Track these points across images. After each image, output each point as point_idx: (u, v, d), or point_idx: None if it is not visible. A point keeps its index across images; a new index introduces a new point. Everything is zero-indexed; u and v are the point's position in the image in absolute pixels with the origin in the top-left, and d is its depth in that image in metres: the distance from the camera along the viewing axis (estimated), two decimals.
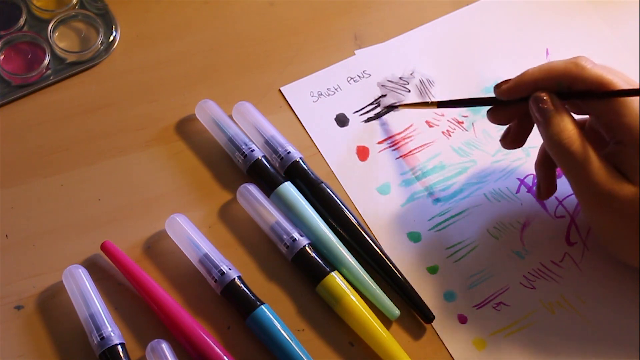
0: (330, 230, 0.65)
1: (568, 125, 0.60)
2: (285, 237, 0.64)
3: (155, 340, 0.59)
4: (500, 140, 0.67)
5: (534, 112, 0.61)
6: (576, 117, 0.62)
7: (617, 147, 0.60)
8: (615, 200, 0.59)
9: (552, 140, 0.60)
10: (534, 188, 0.69)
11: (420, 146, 0.71)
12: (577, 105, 0.63)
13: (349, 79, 0.74)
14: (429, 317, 0.63)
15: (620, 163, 0.60)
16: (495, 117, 0.65)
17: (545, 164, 0.65)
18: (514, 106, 0.63)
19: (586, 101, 0.61)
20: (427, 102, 0.69)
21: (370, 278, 0.64)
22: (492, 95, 0.64)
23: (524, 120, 0.65)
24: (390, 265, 0.64)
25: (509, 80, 0.63)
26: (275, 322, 0.61)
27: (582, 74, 0.60)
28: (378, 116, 0.72)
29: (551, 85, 0.61)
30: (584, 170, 0.59)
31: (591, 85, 0.60)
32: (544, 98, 0.61)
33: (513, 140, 0.66)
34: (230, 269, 0.62)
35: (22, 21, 0.73)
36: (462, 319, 0.64)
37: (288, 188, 0.66)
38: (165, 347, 0.59)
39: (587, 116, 0.64)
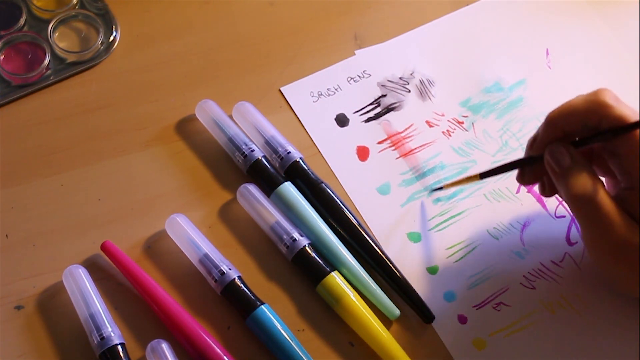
0: (330, 230, 0.65)
1: (587, 181, 0.58)
2: (285, 237, 0.64)
3: (155, 340, 0.59)
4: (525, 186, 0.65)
5: (551, 167, 0.59)
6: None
7: (631, 193, 0.58)
8: (630, 250, 0.57)
9: (572, 196, 0.58)
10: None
11: (421, 146, 0.71)
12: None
13: (349, 79, 0.74)
14: (429, 317, 0.63)
15: (633, 210, 0.58)
16: (524, 179, 0.64)
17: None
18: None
19: (608, 141, 0.59)
20: (470, 176, 0.66)
21: (370, 278, 0.64)
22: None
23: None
24: (390, 265, 0.64)
25: (535, 134, 0.62)
26: (275, 322, 0.61)
27: (607, 114, 0.57)
28: (378, 116, 0.72)
29: (575, 127, 0.59)
30: (604, 225, 0.57)
31: (616, 125, 0.57)
32: (561, 152, 0.59)
33: (551, 191, 0.64)
34: (230, 269, 0.62)
35: (22, 21, 0.73)
36: (462, 319, 0.64)
37: (288, 188, 0.66)
38: (165, 347, 0.59)
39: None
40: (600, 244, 0.59)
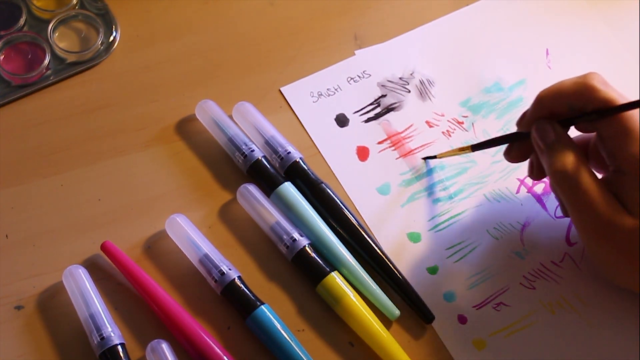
0: (330, 230, 0.65)
1: (570, 157, 0.58)
2: (285, 237, 0.64)
3: (155, 340, 0.59)
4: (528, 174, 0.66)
5: (536, 142, 0.60)
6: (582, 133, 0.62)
7: (618, 176, 0.59)
8: (615, 232, 0.57)
9: (554, 171, 0.59)
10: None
11: (421, 146, 0.71)
12: (585, 127, 0.62)
13: (349, 79, 0.74)
14: (429, 317, 0.63)
15: (620, 193, 0.58)
16: (510, 155, 0.65)
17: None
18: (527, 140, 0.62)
19: (594, 123, 0.60)
20: (462, 147, 0.67)
21: (370, 278, 0.64)
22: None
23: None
24: (390, 265, 0.64)
25: (525, 112, 0.63)
26: (275, 322, 0.61)
27: (594, 96, 0.58)
28: (378, 116, 0.72)
29: (562, 107, 0.60)
30: (585, 202, 0.58)
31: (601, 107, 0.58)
32: (546, 128, 0.60)
33: (538, 173, 0.64)
34: (230, 269, 0.62)
35: (22, 21, 0.73)
36: (462, 319, 0.64)
37: (288, 188, 0.66)
38: (165, 347, 0.59)
39: (593, 133, 0.62)
40: (583, 222, 0.59)
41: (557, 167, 0.59)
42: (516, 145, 0.64)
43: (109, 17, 0.74)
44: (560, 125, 0.60)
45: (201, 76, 0.73)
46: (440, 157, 0.69)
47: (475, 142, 0.67)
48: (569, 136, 0.60)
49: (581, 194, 0.58)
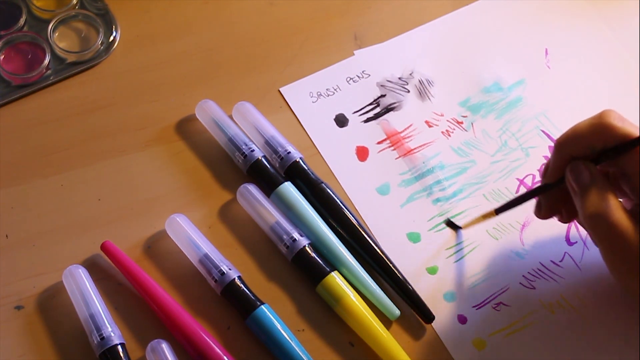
0: (330, 231, 0.65)
1: (607, 197, 0.56)
2: (285, 237, 0.64)
3: (155, 340, 0.59)
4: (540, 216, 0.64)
5: (571, 184, 0.58)
6: None
7: None
8: None
9: (589, 213, 0.56)
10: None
11: (420, 146, 0.71)
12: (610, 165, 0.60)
13: (348, 79, 0.74)
14: (429, 317, 0.63)
15: None
16: (542, 213, 0.63)
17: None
18: (557, 190, 0.60)
19: (617, 160, 0.57)
20: (485, 214, 0.65)
21: (370, 278, 0.64)
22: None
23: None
24: (390, 265, 0.64)
25: (547, 162, 0.61)
26: (275, 322, 0.61)
27: (613, 134, 0.56)
28: (377, 116, 0.72)
29: (583, 150, 0.58)
30: (621, 244, 0.55)
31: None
32: (580, 169, 0.57)
33: (569, 217, 0.63)
34: (230, 269, 0.62)
35: (22, 21, 0.73)
36: (462, 319, 0.64)
37: (288, 188, 0.66)
38: (165, 347, 0.59)
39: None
40: (619, 264, 0.57)
41: (590, 211, 0.56)
42: (544, 200, 0.62)
43: (109, 17, 0.74)
44: (595, 166, 0.58)
45: (201, 76, 0.73)
46: (465, 228, 0.67)
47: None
48: (604, 177, 0.58)
49: (618, 236, 0.56)
